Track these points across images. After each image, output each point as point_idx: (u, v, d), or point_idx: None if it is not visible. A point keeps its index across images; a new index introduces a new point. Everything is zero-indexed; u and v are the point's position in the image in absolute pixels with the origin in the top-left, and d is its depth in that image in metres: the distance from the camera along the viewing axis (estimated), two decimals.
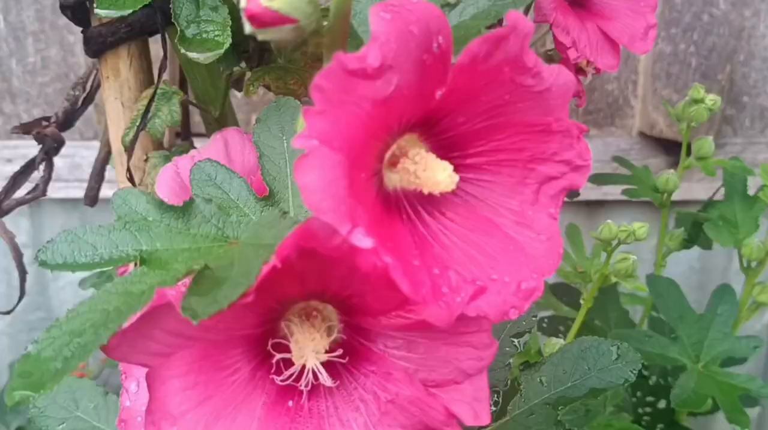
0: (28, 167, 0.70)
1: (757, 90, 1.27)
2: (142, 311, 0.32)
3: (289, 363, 0.36)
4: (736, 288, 0.88)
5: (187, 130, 0.74)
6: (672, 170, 0.90)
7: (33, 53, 1.32)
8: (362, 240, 0.29)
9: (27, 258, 1.62)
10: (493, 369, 0.50)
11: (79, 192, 1.52)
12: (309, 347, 0.35)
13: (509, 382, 0.49)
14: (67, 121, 0.69)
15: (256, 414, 0.35)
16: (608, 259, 0.77)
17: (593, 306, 0.81)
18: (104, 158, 0.77)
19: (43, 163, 0.69)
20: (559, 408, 0.48)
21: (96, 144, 1.44)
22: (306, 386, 0.35)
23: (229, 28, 0.48)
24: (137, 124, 0.58)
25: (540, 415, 0.48)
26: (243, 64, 0.63)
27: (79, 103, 0.69)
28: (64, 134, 0.71)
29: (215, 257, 0.36)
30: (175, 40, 0.48)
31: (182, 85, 0.70)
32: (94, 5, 0.48)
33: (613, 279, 0.75)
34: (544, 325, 0.97)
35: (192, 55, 0.47)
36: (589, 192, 1.26)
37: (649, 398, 0.96)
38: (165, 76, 0.63)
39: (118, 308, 0.33)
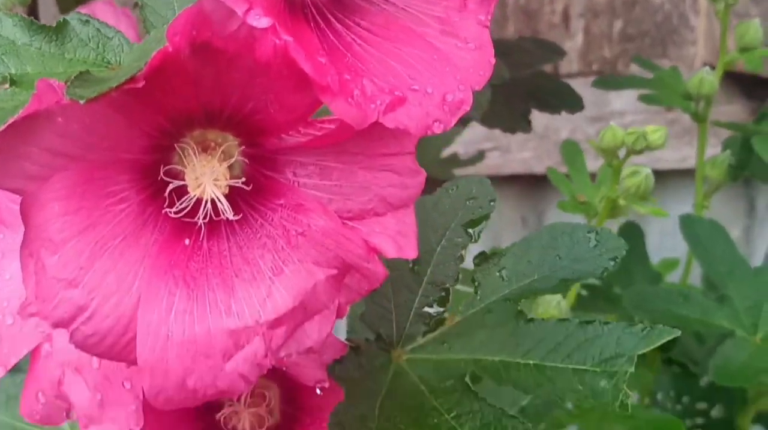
0: None
1: None
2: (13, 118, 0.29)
3: (184, 197, 0.32)
4: None
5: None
6: (707, 67, 0.68)
7: None
8: (259, 20, 0.27)
9: None
10: (441, 263, 0.45)
11: None
12: (207, 175, 0.31)
13: (460, 277, 0.44)
14: None
15: (148, 251, 0.31)
16: (615, 176, 0.60)
17: None
18: None
19: None
20: (520, 301, 0.42)
21: None
22: (204, 218, 0.31)
23: None
24: None
25: (498, 312, 0.41)
26: None
27: None
28: None
29: None
30: None
31: None
32: None
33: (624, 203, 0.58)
34: None
35: None
36: None
37: (701, 405, 0.73)
38: None
39: None
